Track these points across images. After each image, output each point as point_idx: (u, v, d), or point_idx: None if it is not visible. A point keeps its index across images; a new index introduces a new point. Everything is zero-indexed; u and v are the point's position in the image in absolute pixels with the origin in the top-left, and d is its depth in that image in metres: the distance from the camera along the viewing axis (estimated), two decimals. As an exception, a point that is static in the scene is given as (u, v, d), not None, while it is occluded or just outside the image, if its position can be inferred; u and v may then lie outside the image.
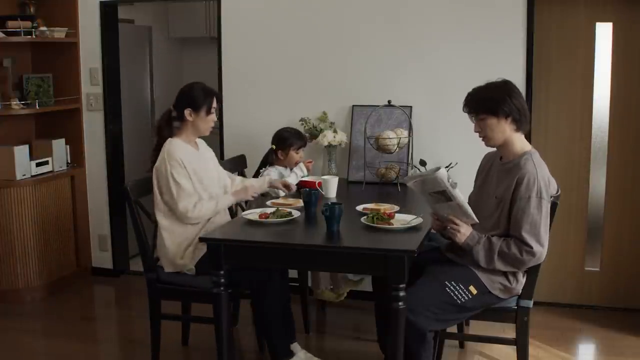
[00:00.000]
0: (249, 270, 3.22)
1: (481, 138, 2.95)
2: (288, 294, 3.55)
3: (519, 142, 2.90)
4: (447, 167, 4.08)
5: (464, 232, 2.81)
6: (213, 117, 3.42)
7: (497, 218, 2.86)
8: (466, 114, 2.94)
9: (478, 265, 2.85)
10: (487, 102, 2.87)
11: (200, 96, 3.37)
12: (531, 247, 2.75)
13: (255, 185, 3.61)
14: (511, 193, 2.81)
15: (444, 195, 2.73)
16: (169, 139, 3.37)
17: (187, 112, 3.36)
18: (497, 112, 2.84)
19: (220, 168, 3.60)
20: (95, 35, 4.89)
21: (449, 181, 2.68)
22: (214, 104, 3.41)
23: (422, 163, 4.08)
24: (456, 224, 2.81)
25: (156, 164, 3.33)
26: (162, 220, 3.32)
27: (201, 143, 3.55)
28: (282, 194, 3.69)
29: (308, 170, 3.93)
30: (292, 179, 3.82)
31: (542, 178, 2.80)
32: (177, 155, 3.27)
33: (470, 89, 3.38)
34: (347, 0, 4.36)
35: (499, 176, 2.92)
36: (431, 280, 2.90)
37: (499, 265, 2.80)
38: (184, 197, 3.24)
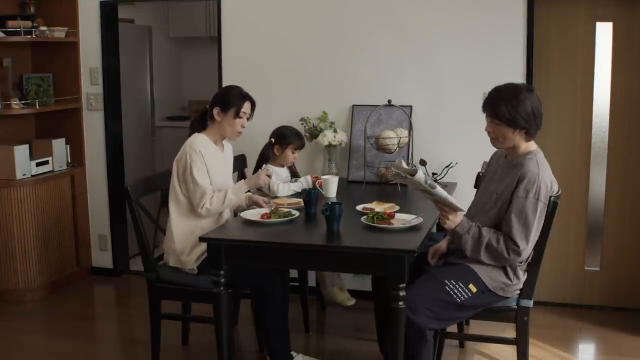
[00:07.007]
0: (249, 270, 3.21)
1: (490, 138, 2.92)
2: (287, 296, 3.44)
3: (525, 144, 2.90)
4: (447, 166, 4.08)
5: (452, 219, 2.81)
6: (241, 121, 3.38)
7: (495, 215, 2.86)
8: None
9: (475, 261, 2.85)
10: (506, 112, 2.79)
11: (232, 98, 3.36)
12: (518, 247, 2.76)
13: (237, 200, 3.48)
14: (511, 191, 2.81)
15: (427, 193, 2.77)
16: (195, 133, 3.38)
17: (215, 110, 3.35)
18: (514, 125, 2.81)
19: (231, 179, 3.57)
20: (95, 35, 4.88)
21: (427, 183, 2.71)
22: (244, 109, 3.37)
23: (422, 163, 4.08)
24: (446, 211, 2.82)
25: (177, 156, 3.33)
26: (174, 212, 3.33)
27: (228, 147, 3.54)
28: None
29: (314, 187, 3.87)
30: (296, 186, 3.81)
31: (543, 179, 2.79)
32: (198, 148, 3.27)
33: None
34: (347, 0, 4.37)
35: (502, 174, 2.93)
36: (431, 279, 2.89)
37: (484, 257, 2.81)
38: (198, 193, 3.24)
